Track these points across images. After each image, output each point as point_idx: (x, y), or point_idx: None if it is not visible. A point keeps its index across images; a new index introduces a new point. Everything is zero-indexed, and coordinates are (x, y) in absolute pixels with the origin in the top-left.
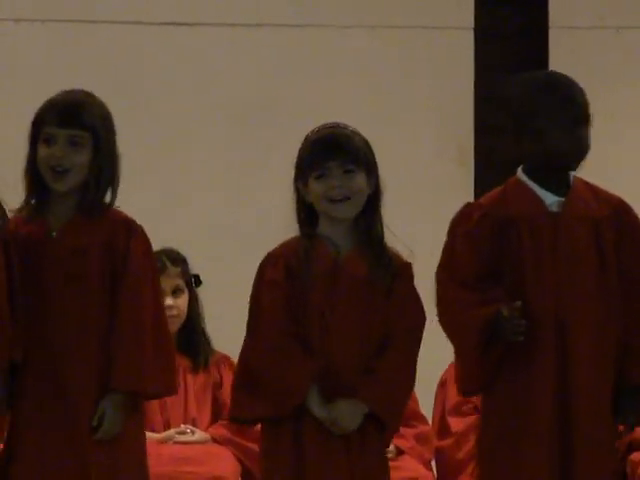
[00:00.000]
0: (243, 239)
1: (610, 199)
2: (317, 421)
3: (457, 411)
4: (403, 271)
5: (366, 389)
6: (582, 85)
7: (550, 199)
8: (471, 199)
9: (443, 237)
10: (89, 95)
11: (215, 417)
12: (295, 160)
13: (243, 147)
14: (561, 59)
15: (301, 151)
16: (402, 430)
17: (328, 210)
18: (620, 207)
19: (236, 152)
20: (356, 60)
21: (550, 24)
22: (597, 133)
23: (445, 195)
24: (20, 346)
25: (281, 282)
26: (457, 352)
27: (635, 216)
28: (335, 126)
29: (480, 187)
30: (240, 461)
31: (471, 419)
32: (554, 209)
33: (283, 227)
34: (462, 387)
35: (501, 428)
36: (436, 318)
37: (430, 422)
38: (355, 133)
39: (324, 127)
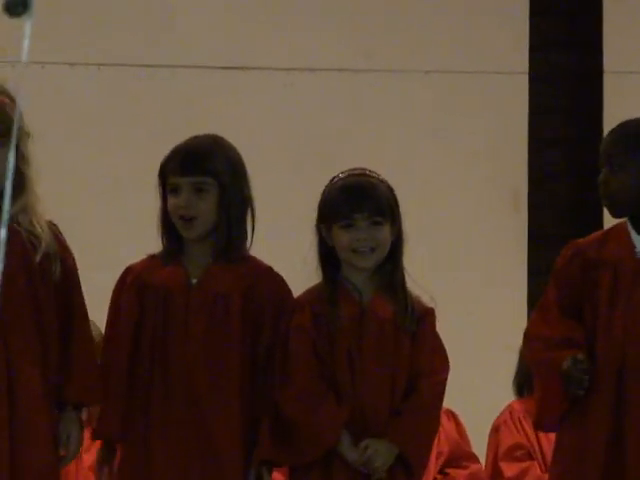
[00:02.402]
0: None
1: None
2: (346, 466)
3: (510, 456)
4: (426, 316)
5: (396, 431)
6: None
7: None
8: (525, 245)
9: (497, 283)
10: (213, 139)
11: None
12: (319, 202)
13: (298, 191)
14: (616, 103)
15: (326, 196)
16: (454, 472)
17: (351, 260)
18: None
19: (292, 196)
20: (411, 105)
21: (605, 68)
22: None
23: (499, 240)
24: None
25: (308, 327)
26: (537, 387)
27: None
28: (362, 174)
29: (534, 233)
30: None
31: (524, 465)
32: None
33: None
34: (538, 422)
35: (564, 466)
36: (489, 364)
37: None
38: (381, 181)
39: (351, 174)
